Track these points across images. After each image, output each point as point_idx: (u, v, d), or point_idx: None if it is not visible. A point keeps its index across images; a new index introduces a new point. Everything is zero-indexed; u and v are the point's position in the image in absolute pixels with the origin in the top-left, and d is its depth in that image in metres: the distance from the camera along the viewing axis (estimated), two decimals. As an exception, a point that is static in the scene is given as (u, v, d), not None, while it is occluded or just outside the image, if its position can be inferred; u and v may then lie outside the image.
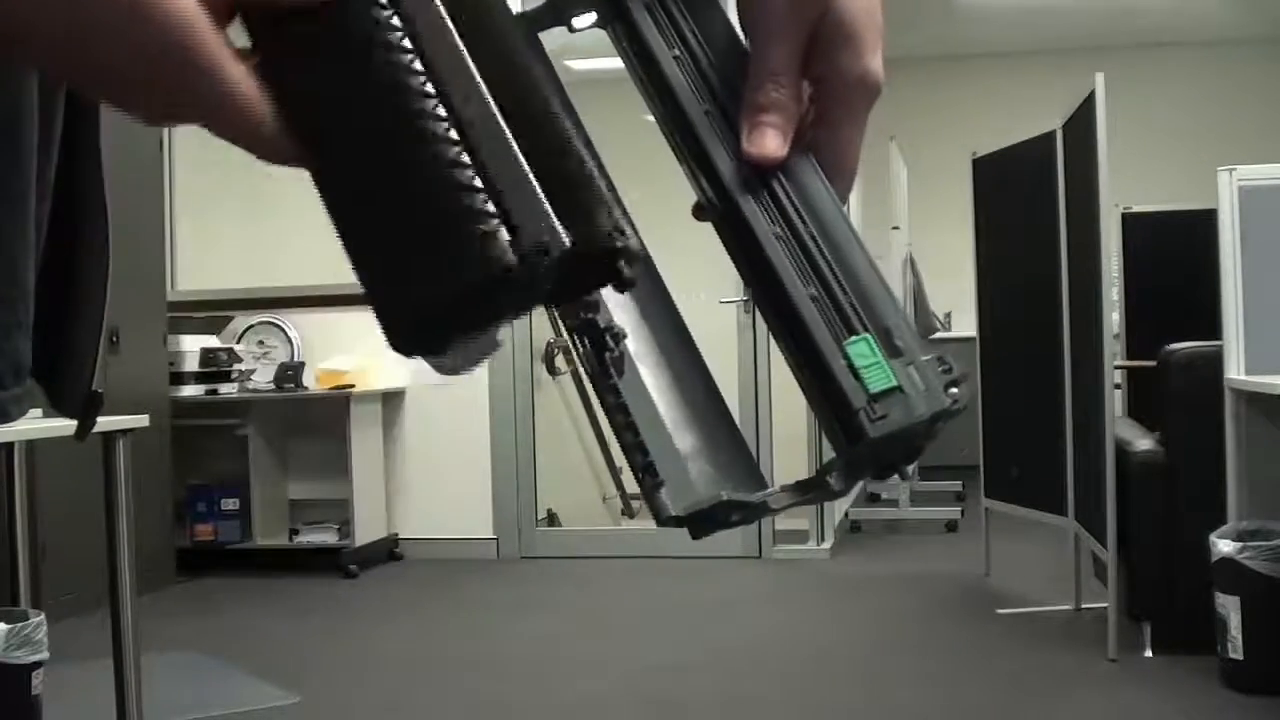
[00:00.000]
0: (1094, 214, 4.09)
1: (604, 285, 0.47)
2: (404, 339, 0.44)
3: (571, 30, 0.59)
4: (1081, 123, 4.22)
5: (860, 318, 0.52)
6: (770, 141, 0.54)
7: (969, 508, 6.67)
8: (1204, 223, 4.39)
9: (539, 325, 6.64)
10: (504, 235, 0.43)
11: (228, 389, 6.15)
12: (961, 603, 5.02)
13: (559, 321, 0.51)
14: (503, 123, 0.44)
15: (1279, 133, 9.00)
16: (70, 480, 4.67)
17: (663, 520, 0.49)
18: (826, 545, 6.14)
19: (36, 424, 2.89)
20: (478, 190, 0.43)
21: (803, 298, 0.52)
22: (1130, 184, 6.43)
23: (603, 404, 0.50)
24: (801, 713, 3.75)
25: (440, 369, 0.46)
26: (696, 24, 0.57)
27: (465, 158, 0.44)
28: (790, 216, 0.54)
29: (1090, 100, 4.05)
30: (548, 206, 0.43)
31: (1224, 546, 3.63)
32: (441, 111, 0.44)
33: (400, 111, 0.44)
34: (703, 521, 0.50)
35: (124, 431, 3.16)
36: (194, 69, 0.45)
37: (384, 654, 4.47)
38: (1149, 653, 4.00)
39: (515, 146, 0.44)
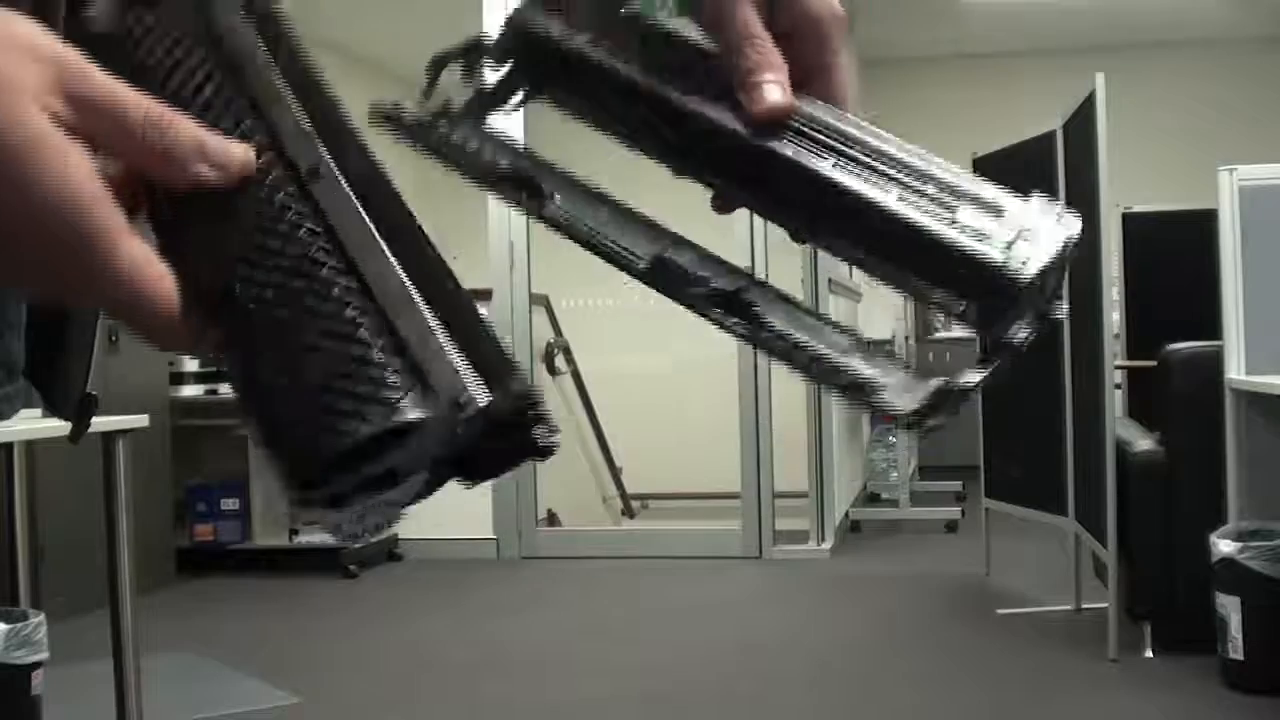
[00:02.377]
0: (1094, 214, 4.09)
1: (522, 457, 0.46)
2: (305, 489, 0.43)
3: (509, 112, 0.60)
4: (1081, 123, 4.22)
5: (950, 196, 0.52)
6: (775, 94, 0.55)
7: (969, 508, 6.67)
8: (1204, 223, 4.39)
9: (539, 325, 6.64)
10: (418, 394, 0.44)
11: (228, 389, 6.13)
12: (961, 603, 5.01)
13: None
14: (417, 296, 0.45)
15: (1279, 133, 8.99)
16: (70, 480, 4.67)
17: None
18: (826, 545, 6.13)
19: (36, 424, 2.89)
20: (393, 353, 0.44)
21: (894, 203, 0.52)
22: (1130, 184, 6.42)
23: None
24: (801, 713, 3.75)
25: (336, 534, 0.46)
26: (631, 50, 0.58)
27: (377, 326, 0.45)
28: (835, 146, 0.54)
29: (1090, 100, 4.05)
30: (464, 370, 0.44)
31: (1224, 546, 3.63)
32: (354, 284, 0.45)
33: (311, 286, 0.45)
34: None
35: (124, 431, 3.16)
36: (89, 251, 0.44)
37: (384, 654, 4.46)
38: (1149, 653, 4.00)
39: (430, 318, 0.45)
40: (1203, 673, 3.74)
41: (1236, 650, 3.61)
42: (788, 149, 0.54)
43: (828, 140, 0.54)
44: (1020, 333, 0.51)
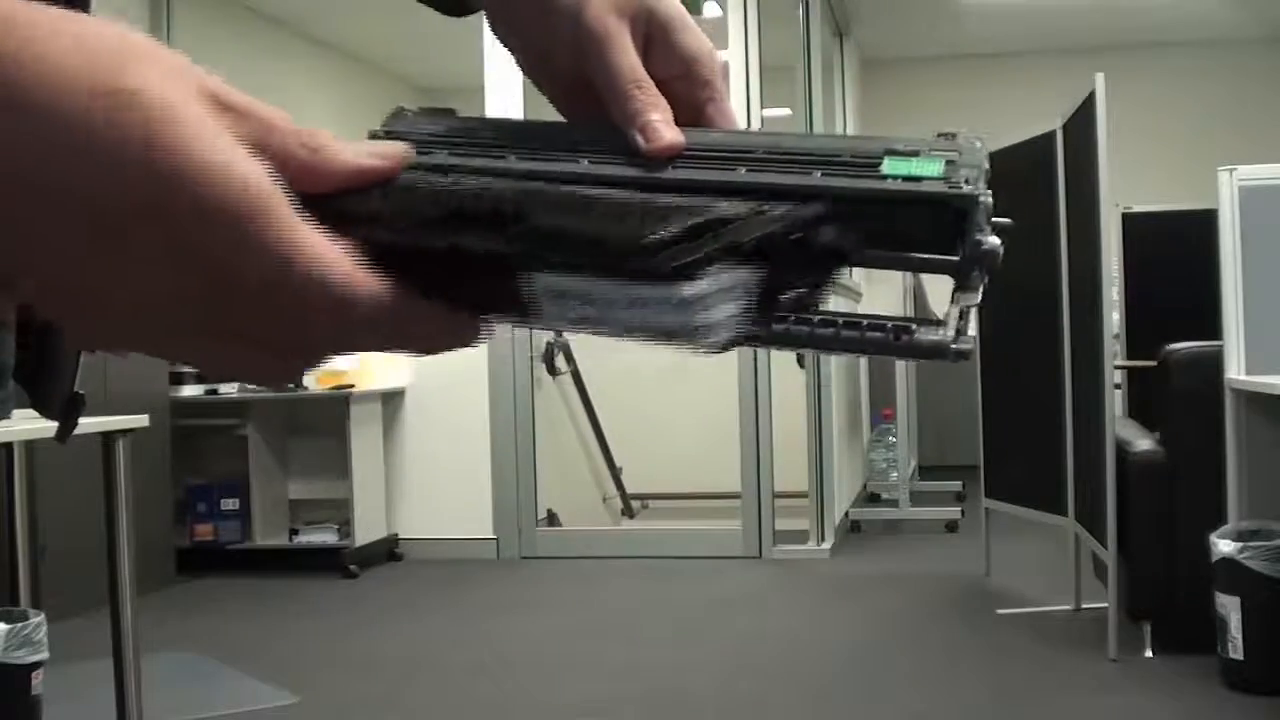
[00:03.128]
0: (1094, 214, 4.09)
1: (835, 261, 0.49)
2: (646, 254, 0.43)
3: None
4: (1081, 123, 4.22)
5: (865, 155, 0.52)
6: (666, 132, 0.54)
7: (969, 508, 6.67)
8: (1204, 223, 4.39)
9: (539, 325, 6.63)
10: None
11: (227, 389, 6.14)
12: (961, 603, 5.02)
13: None
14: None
15: (1279, 133, 9.00)
16: (70, 480, 4.67)
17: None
18: (826, 545, 6.13)
19: (36, 424, 2.89)
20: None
21: (820, 180, 0.51)
22: (1130, 184, 6.42)
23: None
24: (801, 712, 3.75)
25: (701, 320, 0.44)
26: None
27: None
28: (739, 156, 0.53)
29: (1090, 100, 4.05)
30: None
31: (1224, 546, 3.63)
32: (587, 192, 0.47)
33: (551, 198, 0.46)
34: None
35: (124, 431, 3.16)
36: (265, 217, 0.41)
37: (384, 654, 4.46)
38: (1149, 653, 4.00)
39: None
40: (1203, 673, 3.74)
41: (1236, 650, 3.61)
42: (694, 174, 0.53)
43: (731, 154, 0.53)
44: (988, 238, 0.51)
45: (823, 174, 0.51)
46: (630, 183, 0.53)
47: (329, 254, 0.43)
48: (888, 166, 0.51)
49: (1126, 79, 6.62)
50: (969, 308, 0.50)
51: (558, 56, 0.61)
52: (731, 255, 0.43)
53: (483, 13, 0.66)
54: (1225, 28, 9.17)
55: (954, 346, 0.49)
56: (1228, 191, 3.89)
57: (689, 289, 0.42)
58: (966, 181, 0.51)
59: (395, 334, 0.46)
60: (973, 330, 0.50)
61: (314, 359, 0.47)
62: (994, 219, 0.51)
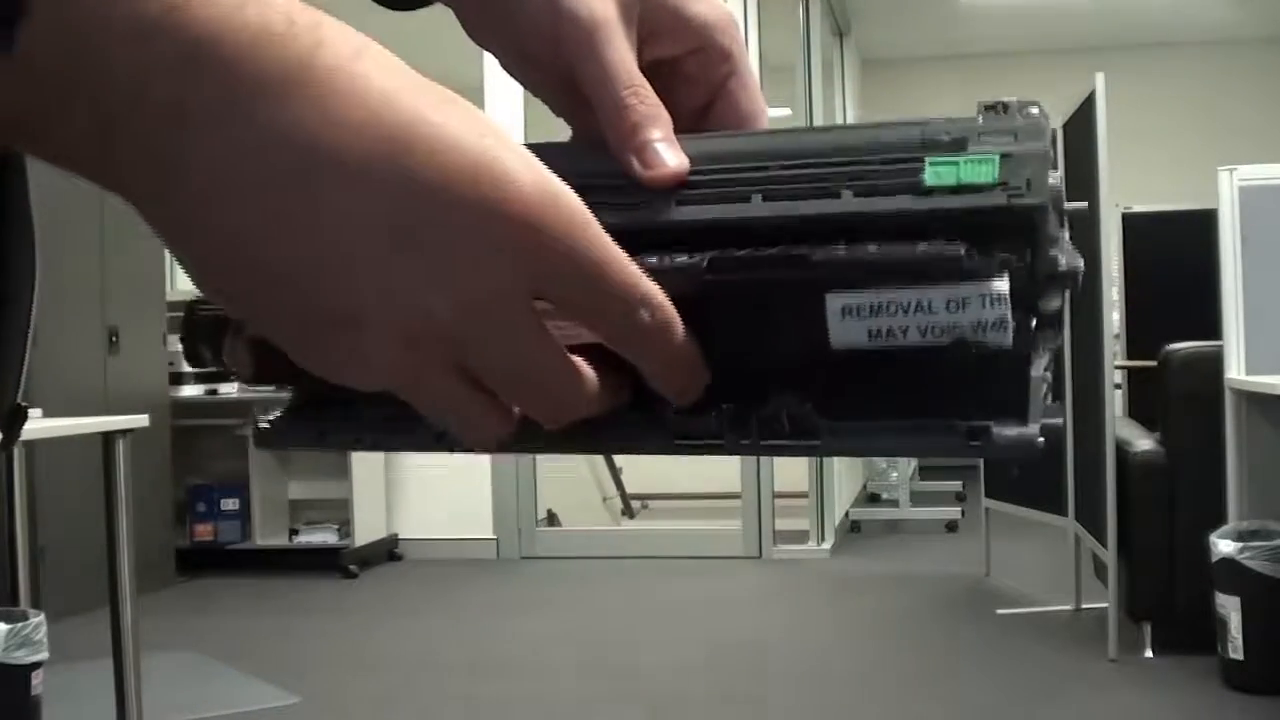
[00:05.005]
0: (1094, 214, 4.09)
1: None
2: None
3: None
4: (1081, 123, 4.22)
5: (900, 154, 0.43)
6: (667, 157, 0.46)
7: (969, 508, 6.67)
8: (1204, 223, 4.38)
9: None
10: None
11: (228, 389, 6.14)
12: (961, 603, 5.02)
13: None
14: None
15: (1279, 133, 9.00)
16: (70, 480, 4.68)
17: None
18: (826, 545, 6.13)
19: (36, 424, 2.89)
20: None
21: (853, 203, 0.43)
22: (1130, 184, 6.42)
23: None
24: (801, 713, 3.75)
25: (1006, 324, 0.40)
26: None
27: None
28: (751, 177, 0.45)
29: (1090, 100, 4.05)
30: None
31: (1224, 546, 3.63)
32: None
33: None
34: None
35: (124, 431, 3.16)
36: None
37: (384, 654, 4.46)
38: (1149, 653, 4.00)
39: None
40: (1203, 673, 3.74)
41: (1236, 650, 3.61)
42: (701, 210, 0.44)
43: (742, 172, 0.45)
44: (1064, 256, 0.43)
45: (855, 193, 0.43)
46: (624, 229, 0.43)
47: (641, 275, 0.40)
48: (929, 175, 0.42)
49: (1126, 79, 6.62)
50: (1051, 365, 0.43)
51: (541, 55, 0.51)
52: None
53: (442, 6, 0.58)
54: (1225, 28, 9.17)
55: (1040, 442, 0.42)
56: (1228, 191, 3.89)
57: (999, 284, 0.40)
58: (1030, 185, 0.42)
59: (677, 368, 0.42)
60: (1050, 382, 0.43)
61: (555, 413, 0.42)
62: (1066, 207, 0.44)
